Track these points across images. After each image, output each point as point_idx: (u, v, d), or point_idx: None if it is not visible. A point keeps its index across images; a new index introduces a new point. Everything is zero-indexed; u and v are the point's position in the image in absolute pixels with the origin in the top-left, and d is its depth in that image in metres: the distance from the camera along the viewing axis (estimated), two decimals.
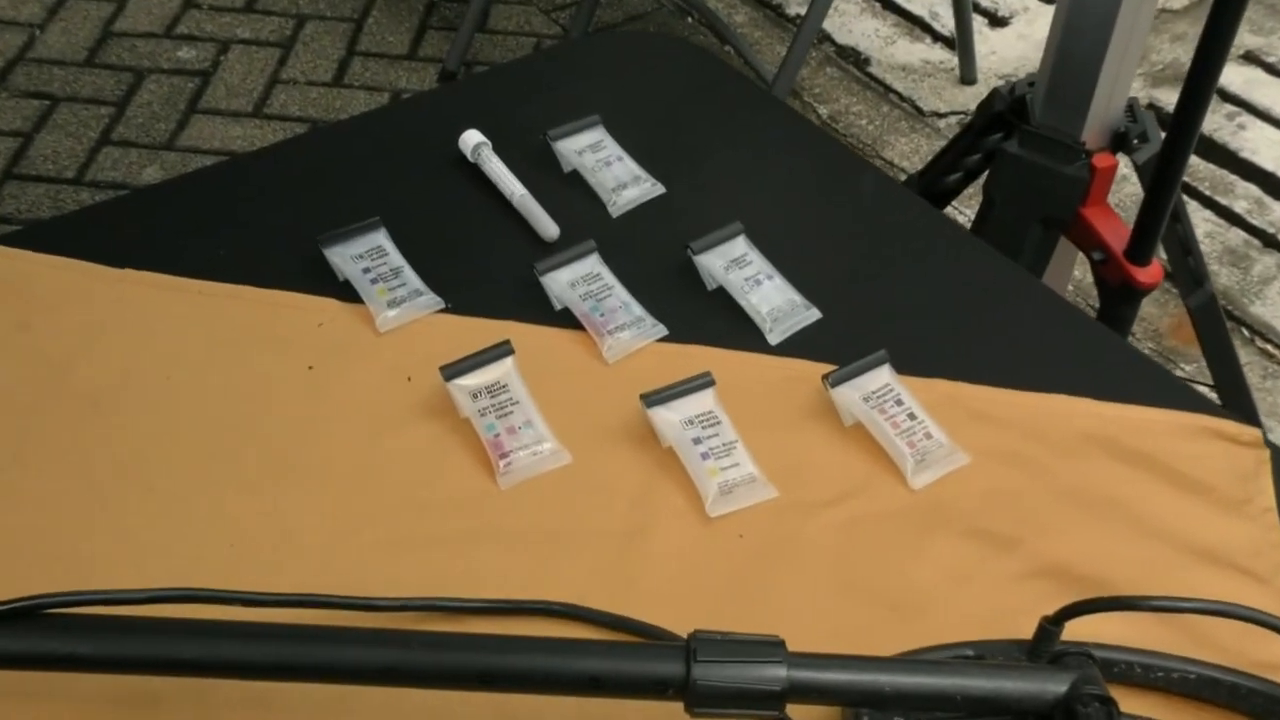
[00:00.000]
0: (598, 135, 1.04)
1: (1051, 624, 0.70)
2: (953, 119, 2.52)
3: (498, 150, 1.03)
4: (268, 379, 0.87)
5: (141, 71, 2.50)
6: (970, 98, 2.57)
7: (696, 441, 0.82)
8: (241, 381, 0.87)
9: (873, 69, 2.60)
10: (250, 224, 0.98)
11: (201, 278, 0.93)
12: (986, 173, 1.58)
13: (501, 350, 0.86)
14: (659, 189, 1.02)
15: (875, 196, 1.04)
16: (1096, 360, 0.91)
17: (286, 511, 0.80)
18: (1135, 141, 1.47)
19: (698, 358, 0.88)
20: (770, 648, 0.64)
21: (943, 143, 2.30)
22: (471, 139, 1.03)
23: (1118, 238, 1.50)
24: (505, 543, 0.79)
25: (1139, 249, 1.48)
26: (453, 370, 0.85)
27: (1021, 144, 1.47)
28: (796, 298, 0.92)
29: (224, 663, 0.64)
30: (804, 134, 1.09)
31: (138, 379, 0.87)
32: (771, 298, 0.92)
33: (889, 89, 2.56)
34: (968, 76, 2.60)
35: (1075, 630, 0.68)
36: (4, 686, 0.68)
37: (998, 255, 0.98)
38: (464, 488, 0.81)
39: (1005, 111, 1.53)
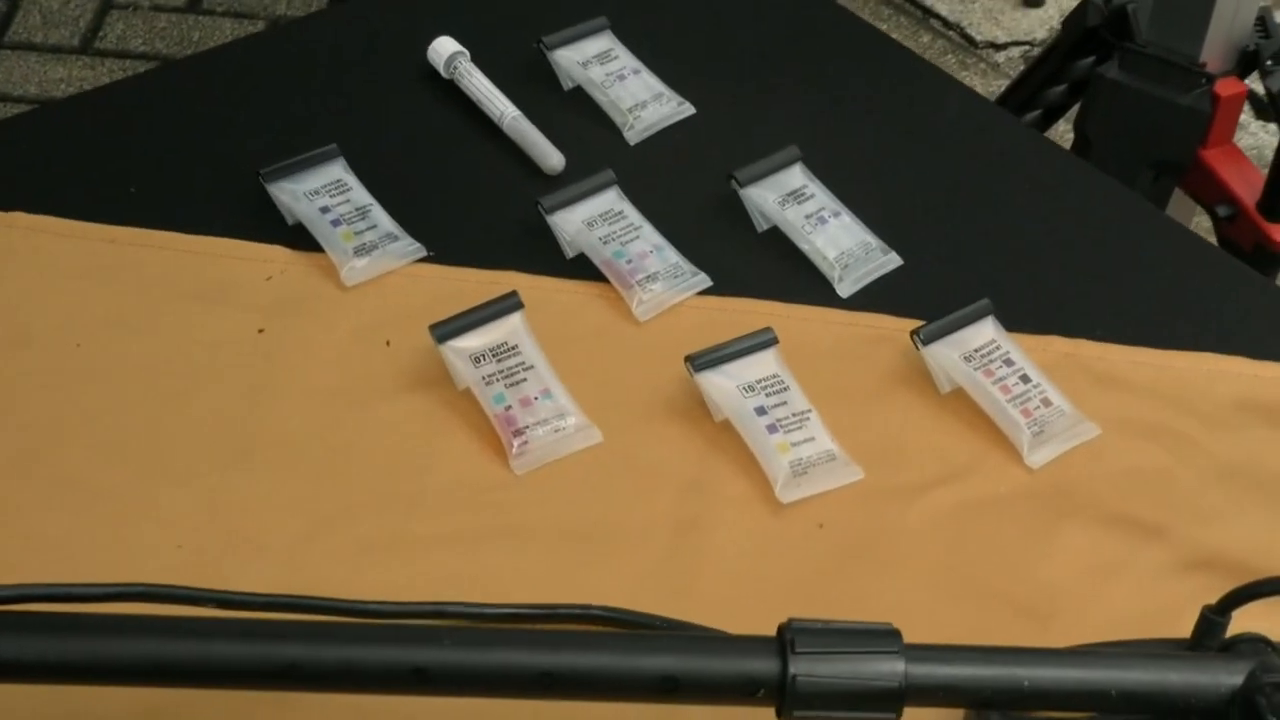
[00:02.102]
0: (606, 43, 1.12)
1: (1215, 614, 0.78)
2: (1014, 51, 2.63)
3: (478, 63, 1.11)
4: (205, 345, 0.94)
5: None
6: (1036, 24, 2.69)
7: (760, 412, 0.90)
8: (173, 349, 0.94)
9: None
10: (166, 155, 1.06)
11: (107, 222, 1.00)
12: (1076, 108, 1.69)
13: (507, 304, 0.94)
14: (687, 108, 1.10)
15: (963, 118, 1.13)
16: (1248, 312, 1.00)
17: (241, 507, 0.87)
18: (1269, 63, 1.57)
19: (751, 314, 0.97)
20: (884, 638, 0.72)
21: (1003, 82, 2.41)
22: (445, 48, 1.11)
23: (1249, 188, 1.60)
24: (523, 541, 0.86)
25: (1276, 201, 1.58)
26: (446, 329, 0.92)
27: (1124, 67, 1.57)
28: (871, 239, 1.01)
29: (214, 667, 0.70)
30: (865, 40, 1.18)
31: (35, 348, 0.93)
32: (840, 240, 1.01)
33: (930, 12, 2.67)
34: None
35: (1242, 625, 0.77)
36: None
37: (1119, 186, 1.08)
38: (467, 474, 0.89)
39: (1100, 27, 1.64)
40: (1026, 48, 2.63)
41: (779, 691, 0.71)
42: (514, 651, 0.72)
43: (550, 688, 0.72)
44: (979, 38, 2.63)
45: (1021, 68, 2.20)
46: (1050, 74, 1.71)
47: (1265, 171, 1.59)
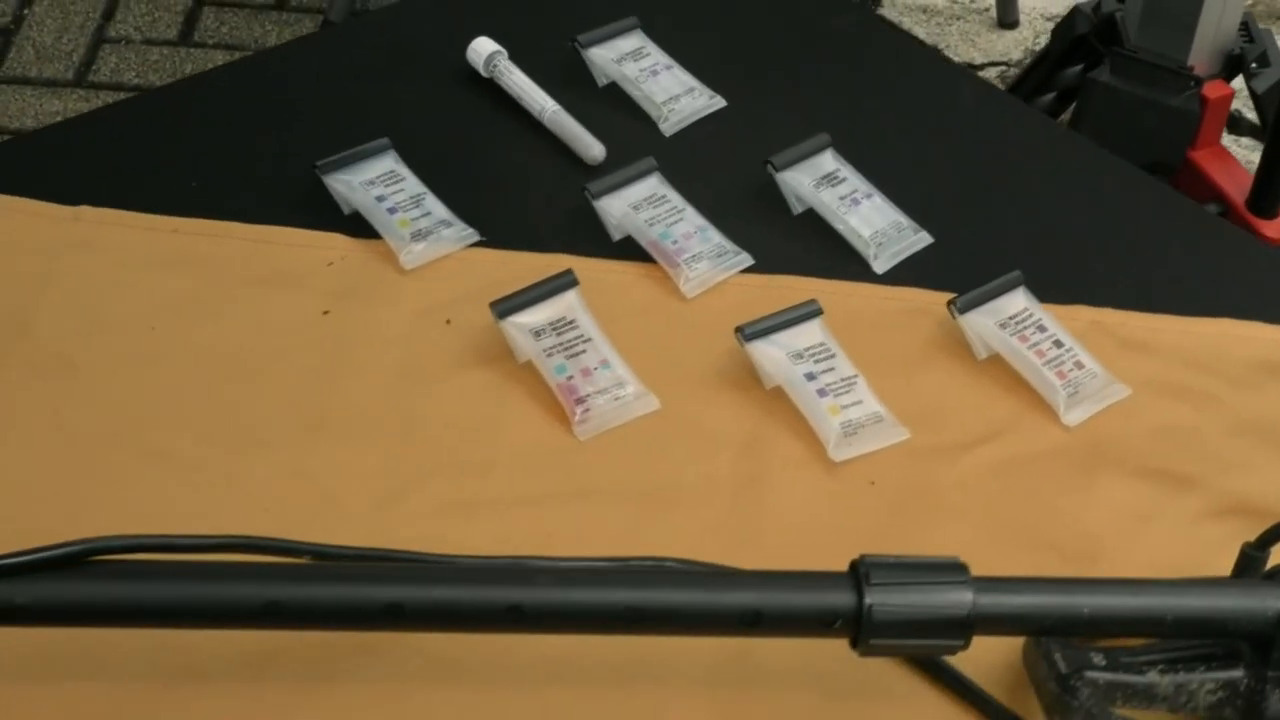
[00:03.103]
0: (638, 41, 1.17)
1: (1255, 549, 0.84)
2: (991, 72, 2.70)
3: (514, 62, 1.16)
4: (274, 326, 0.99)
5: None
6: (1011, 44, 2.76)
7: (810, 377, 0.96)
8: (243, 330, 0.98)
9: (885, 9, 2.79)
10: (222, 153, 1.10)
11: (171, 215, 1.04)
12: (1070, 111, 1.76)
13: (563, 281, 0.99)
14: (718, 101, 1.16)
15: (979, 106, 1.19)
16: (1258, 280, 1.06)
17: (322, 474, 0.91)
18: (1253, 66, 1.64)
19: (793, 289, 1.02)
20: (952, 570, 0.77)
21: None
22: (484, 48, 1.16)
23: (1237, 186, 1.67)
24: (592, 501, 0.91)
25: (1264, 199, 1.65)
26: (506, 306, 0.97)
27: (1115, 72, 1.64)
28: (902, 219, 1.07)
29: (321, 608, 0.75)
30: (881, 36, 1.24)
31: (113, 330, 0.98)
32: (873, 219, 1.06)
33: (908, 35, 2.74)
34: (1007, 18, 2.79)
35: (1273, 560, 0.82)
36: (32, 668, 0.79)
37: (1130, 167, 1.14)
38: (534, 440, 0.93)
39: (1089, 35, 1.70)
40: (1003, 68, 2.70)
41: (855, 622, 0.76)
42: (605, 590, 0.76)
43: (639, 623, 0.76)
44: (956, 59, 2.69)
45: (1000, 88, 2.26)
46: (1040, 82, 1.78)
47: (1252, 171, 1.66)
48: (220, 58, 2.62)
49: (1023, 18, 2.80)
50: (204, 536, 0.77)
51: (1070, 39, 1.73)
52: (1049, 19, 2.84)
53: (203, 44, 2.62)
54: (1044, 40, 2.73)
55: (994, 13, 2.78)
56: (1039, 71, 1.78)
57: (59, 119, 2.45)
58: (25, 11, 2.63)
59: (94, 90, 2.52)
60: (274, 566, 0.77)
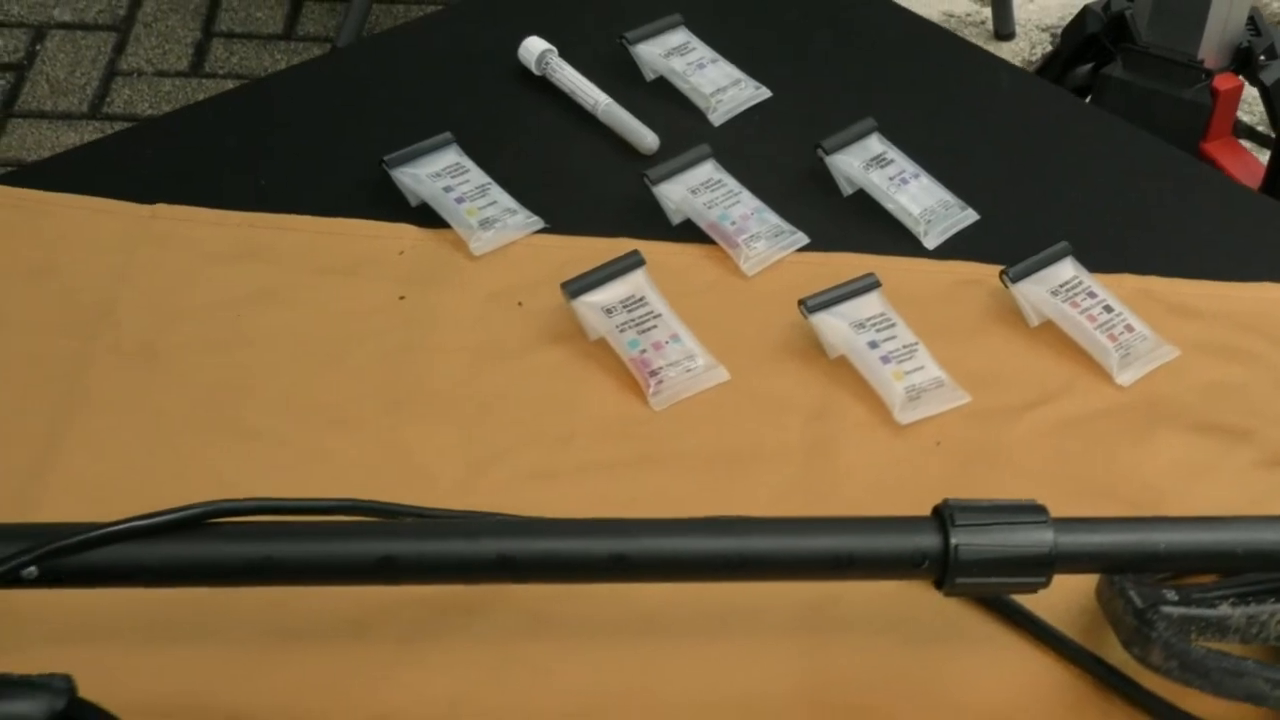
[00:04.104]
0: (683, 36, 1.22)
1: None
2: None
3: (563, 59, 1.20)
4: (352, 311, 1.02)
5: None
6: (1008, 55, 2.81)
7: (873, 345, 0.99)
8: (322, 316, 1.02)
9: None
10: (286, 152, 1.14)
11: (242, 211, 1.08)
12: None
13: (630, 261, 1.03)
14: (764, 92, 1.20)
15: (1014, 90, 1.23)
16: None
17: (409, 448, 0.95)
18: (1262, 58, 1.69)
19: (849, 265, 1.06)
20: (1033, 511, 0.81)
21: None
22: (535, 47, 1.20)
23: (1249, 176, 1.72)
24: (670, 466, 0.95)
25: (1277, 187, 1.70)
26: (576, 286, 1.01)
27: (1127, 67, 1.69)
28: (949, 197, 1.11)
29: (432, 561, 0.79)
30: (913, 27, 1.29)
31: (195, 319, 1.01)
32: (921, 198, 1.10)
33: None
34: (1004, 30, 2.85)
35: None
36: (152, 631, 0.82)
37: (1160, 143, 1.19)
38: (611, 412, 0.97)
39: (1100, 33, 1.75)
40: None
41: (942, 562, 0.80)
42: (705, 538, 0.80)
43: (738, 569, 0.80)
44: None
45: None
46: (1053, 80, 1.82)
47: (1265, 160, 1.70)
48: (231, 87, 2.66)
49: (1018, 29, 2.86)
50: (315, 500, 0.80)
51: (1081, 38, 1.77)
52: (1044, 29, 2.90)
53: (213, 74, 2.66)
54: (1040, 51, 2.79)
55: (990, 24, 2.84)
56: (1050, 71, 1.83)
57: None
58: (38, 47, 2.66)
59: (109, 121, 2.56)
60: (387, 524, 0.80)
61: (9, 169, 2.43)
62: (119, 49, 2.68)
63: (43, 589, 0.77)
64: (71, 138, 2.53)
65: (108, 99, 2.60)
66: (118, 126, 2.55)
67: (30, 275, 1.03)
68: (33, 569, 0.76)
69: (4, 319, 1.00)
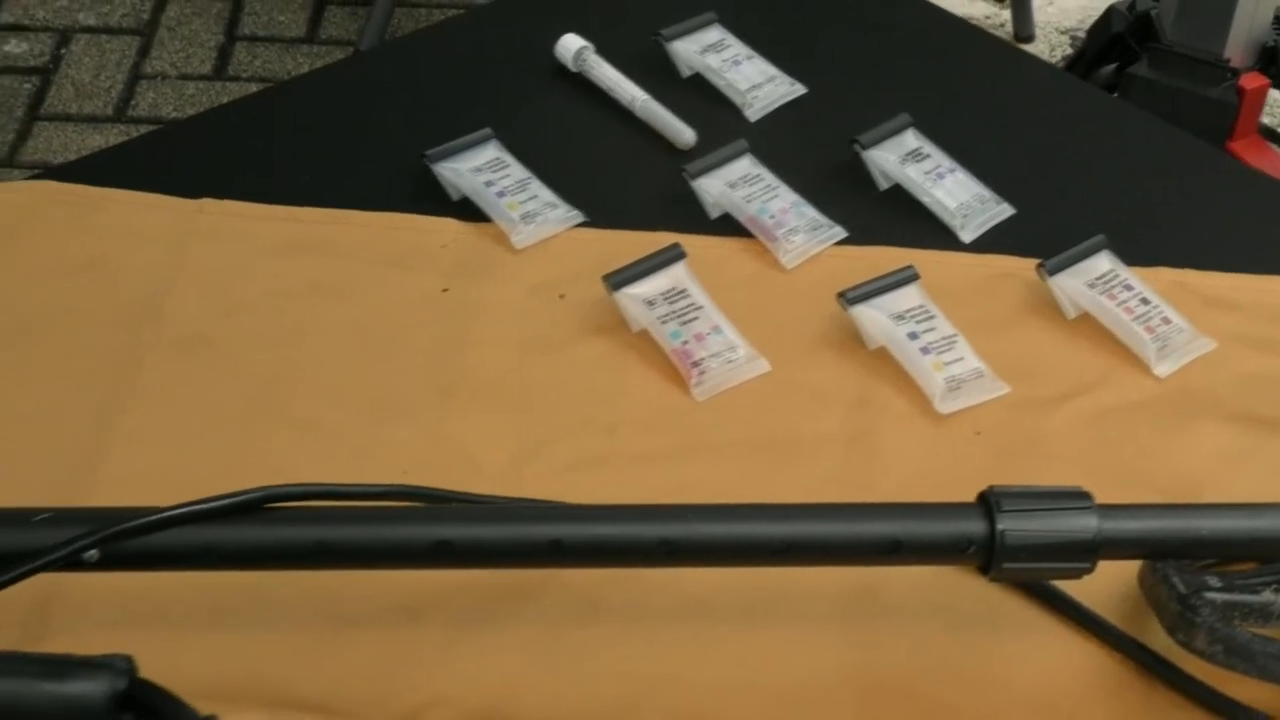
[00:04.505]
0: (718, 33, 1.23)
1: None
2: None
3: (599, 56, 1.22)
4: (398, 304, 1.04)
5: None
6: None
7: (913, 337, 1.01)
8: (369, 308, 1.03)
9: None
10: (327, 147, 1.16)
11: (287, 206, 1.10)
12: None
13: (671, 254, 1.04)
14: (799, 88, 1.21)
15: (1044, 88, 1.25)
16: None
17: (456, 437, 0.96)
18: None
19: (886, 259, 1.07)
20: (1077, 497, 0.82)
21: None
22: (572, 44, 1.21)
23: (1276, 175, 1.72)
24: (714, 455, 0.96)
25: None
26: (619, 279, 1.02)
27: (1153, 66, 1.70)
28: (984, 192, 1.12)
29: (486, 545, 0.80)
30: (949, 26, 1.30)
31: (243, 313, 1.03)
32: (957, 192, 1.12)
33: None
34: (1023, 33, 2.86)
35: None
36: (207, 616, 0.84)
37: (1190, 138, 1.20)
38: (654, 402, 0.98)
39: (1125, 32, 1.76)
40: None
41: (988, 547, 0.81)
42: (754, 523, 0.81)
43: (787, 554, 0.81)
44: None
45: None
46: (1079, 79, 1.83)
47: None
48: (254, 90, 2.67)
49: (1038, 31, 2.87)
50: (369, 485, 0.82)
51: (1106, 37, 1.78)
52: (1063, 32, 2.91)
53: (237, 77, 2.68)
54: (1060, 53, 2.80)
55: (1010, 27, 2.85)
56: (1075, 70, 1.84)
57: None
58: (63, 51, 2.68)
59: (134, 124, 2.58)
60: (440, 509, 0.82)
61: (35, 172, 2.45)
62: (143, 53, 2.70)
63: (103, 572, 0.78)
64: (96, 140, 2.54)
65: (132, 102, 2.61)
66: (143, 129, 2.57)
67: (81, 269, 1.05)
68: (94, 552, 0.77)
69: (56, 312, 1.02)
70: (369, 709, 0.82)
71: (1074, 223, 1.10)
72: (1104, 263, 1.05)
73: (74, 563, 0.77)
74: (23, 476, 0.91)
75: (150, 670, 0.75)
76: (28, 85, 2.62)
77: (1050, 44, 2.84)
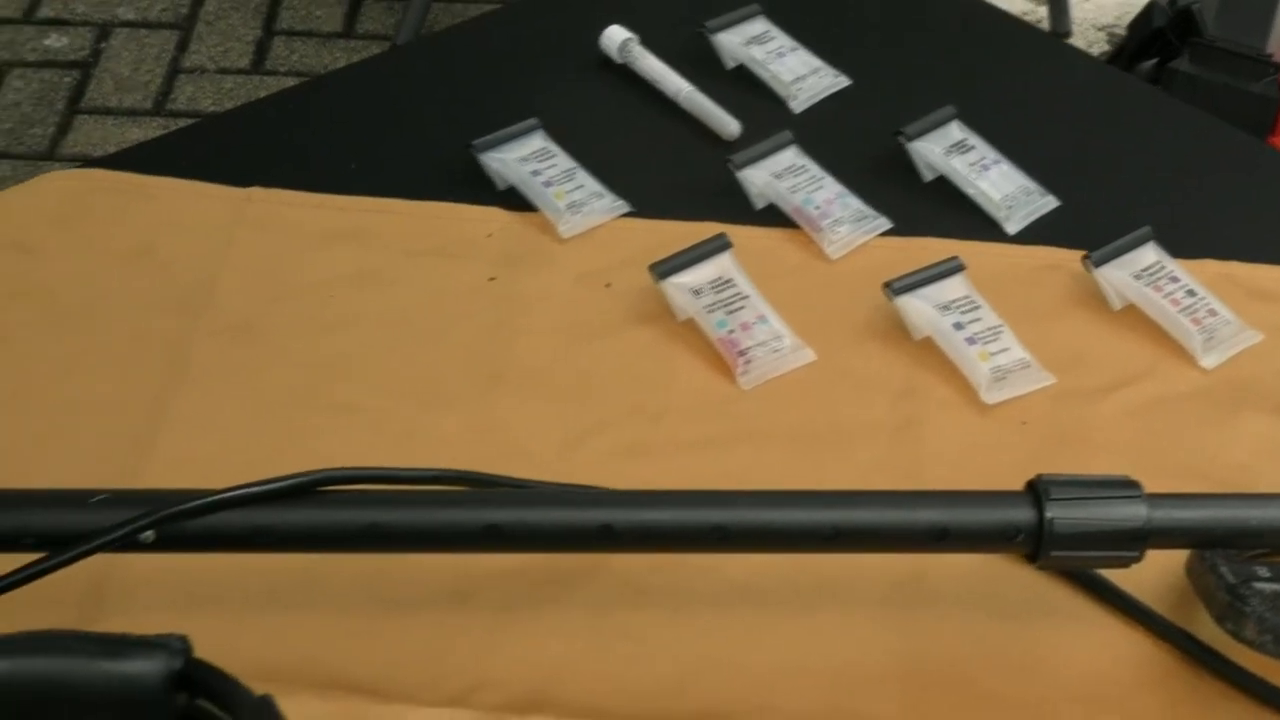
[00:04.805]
0: (762, 25, 1.23)
1: None
2: None
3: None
4: (445, 292, 1.04)
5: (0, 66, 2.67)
6: None
7: (958, 327, 1.01)
8: (416, 296, 1.04)
9: None
10: (368, 139, 1.17)
11: (334, 194, 1.11)
12: None
13: (717, 244, 1.04)
14: (843, 80, 1.22)
15: (1086, 79, 1.25)
16: None
17: (505, 424, 0.97)
18: None
19: (931, 249, 1.07)
20: (1126, 486, 0.82)
21: None
22: (616, 35, 1.22)
23: None
24: (760, 444, 0.96)
25: None
26: (665, 268, 1.03)
27: (1194, 61, 1.70)
28: (1029, 183, 1.12)
29: (536, 530, 0.80)
30: (992, 19, 1.30)
31: (292, 300, 1.04)
32: (1002, 184, 1.12)
33: None
34: (1060, 29, 2.85)
35: None
36: (260, 599, 0.85)
37: (1234, 131, 1.20)
38: (701, 390, 0.99)
39: (1166, 28, 1.76)
40: None
41: (1036, 535, 0.81)
42: (804, 510, 0.82)
43: (835, 540, 0.82)
44: None
45: None
46: None
47: None
48: (291, 84, 2.68)
49: (1074, 28, 2.86)
50: (421, 469, 0.82)
51: (1147, 32, 1.78)
52: (1100, 28, 2.91)
53: (274, 72, 2.69)
54: (1097, 49, 2.79)
55: (1047, 23, 2.84)
56: (1115, 65, 1.84)
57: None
58: (102, 45, 2.70)
59: (173, 118, 2.60)
60: (490, 494, 0.82)
61: (75, 165, 2.47)
62: (182, 47, 2.72)
63: (158, 553, 0.79)
64: (136, 134, 2.56)
65: (171, 96, 2.63)
66: (181, 123, 2.59)
67: (131, 256, 1.06)
68: (150, 533, 0.78)
69: (106, 298, 1.03)
70: (418, 691, 0.83)
71: (1118, 215, 1.10)
72: (1150, 254, 1.05)
73: (130, 544, 0.78)
74: (80, 459, 0.93)
75: (204, 651, 0.76)
76: (68, 79, 2.64)
77: (1087, 40, 2.83)
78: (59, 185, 1.12)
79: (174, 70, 2.68)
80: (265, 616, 0.85)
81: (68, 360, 1.00)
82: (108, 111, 2.58)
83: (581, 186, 1.10)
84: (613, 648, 0.86)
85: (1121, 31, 2.28)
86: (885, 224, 1.09)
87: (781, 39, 1.23)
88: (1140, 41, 1.81)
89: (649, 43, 1.22)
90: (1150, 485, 0.83)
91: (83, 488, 0.79)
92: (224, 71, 2.68)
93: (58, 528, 0.77)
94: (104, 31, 2.74)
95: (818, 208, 1.09)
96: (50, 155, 2.51)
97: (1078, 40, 2.85)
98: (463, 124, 1.15)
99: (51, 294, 1.04)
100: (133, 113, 2.59)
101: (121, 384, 0.98)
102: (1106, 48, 2.67)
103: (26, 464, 0.90)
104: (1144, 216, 1.08)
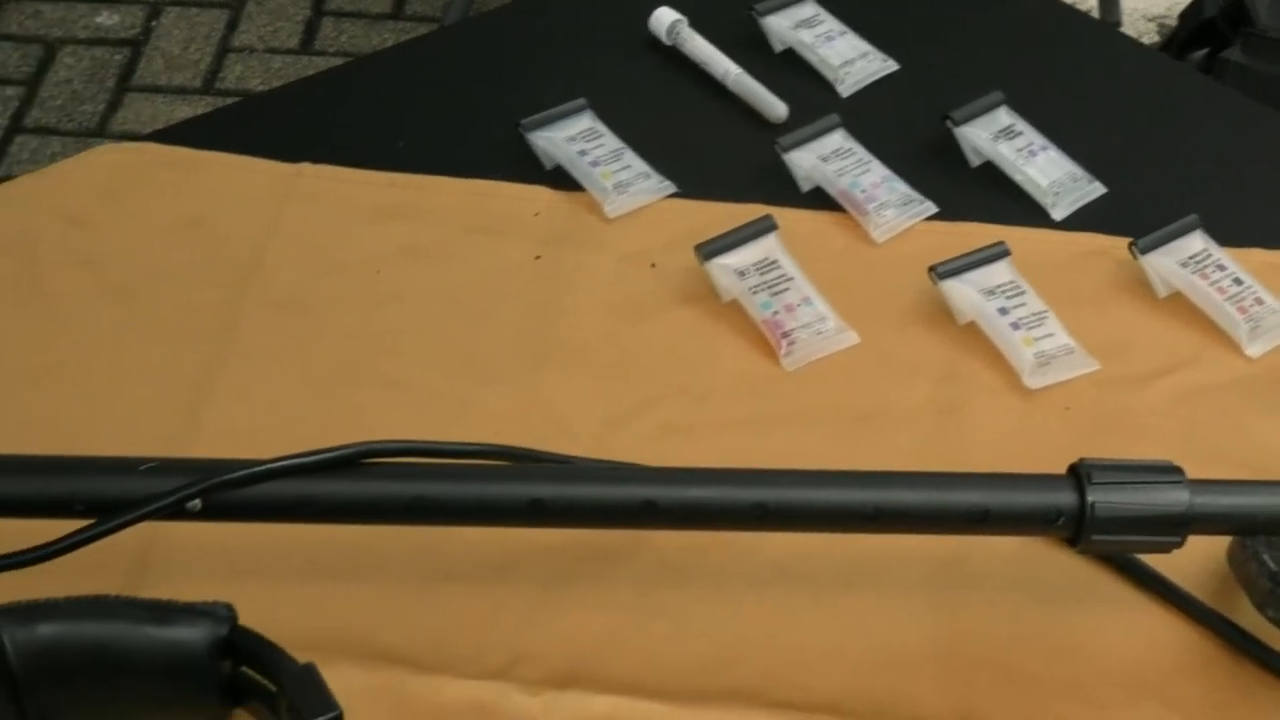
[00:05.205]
0: (812, 9, 1.24)
1: None
2: None
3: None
4: (492, 270, 1.05)
5: (52, 43, 2.69)
6: None
7: (1003, 312, 1.01)
8: (463, 273, 1.05)
9: None
10: (426, 114, 1.17)
11: (383, 171, 1.11)
12: None
13: (763, 225, 1.05)
14: (892, 64, 1.22)
15: (1136, 66, 1.24)
16: None
17: (549, 401, 0.97)
18: None
19: (977, 234, 1.07)
20: (1169, 471, 0.82)
21: None
22: (665, 17, 1.22)
23: None
24: (802, 425, 0.97)
25: None
26: (710, 249, 1.03)
27: (1246, 51, 1.69)
28: (1077, 170, 1.12)
29: (580, 504, 0.81)
30: (1042, 4, 1.30)
31: (341, 273, 1.04)
32: (1049, 170, 1.12)
33: None
34: (1110, 19, 2.83)
35: None
36: (306, 570, 0.86)
37: None
38: (744, 371, 0.99)
39: (1217, 18, 1.75)
40: None
41: (1077, 519, 0.81)
42: (845, 489, 0.82)
43: (874, 520, 0.82)
44: None
45: None
46: None
47: None
48: (339, 65, 2.70)
49: (1125, 18, 2.85)
50: (465, 443, 0.83)
51: (1198, 22, 1.77)
52: (1150, 19, 2.89)
53: (323, 52, 2.70)
54: (1146, 40, 2.78)
55: (1097, 13, 2.83)
56: (1168, 54, 1.83)
57: None
58: (153, 24, 2.72)
59: (222, 96, 2.61)
60: (535, 468, 0.83)
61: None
62: (231, 26, 2.73)
63: (204, 522, 0.80)
64: (185, 112, 2.58)
65: (220, 75, 2.64)
66: (230, 102, 2.60)
67: (181, 229, 1.07)
68: (196, 502, 0.79)
69: (158, 269, 1.04)
70: (459, 663, 0.83)
71: (1165, 203, 1.10)
72: (1197, 242, 1.05)
73: (177, 512, 0.79)
74: (129, 427, 0.94)
75: (248, 620, 0.77)
76: (118, 57, 2.66)
77: (1137, 30, 2.82)
78: (110, 159, 1.13)
79: (223, 49, 2.69)
80: (308, 586, 0.86)
81: (118, 330, 1.01)
82: (157, 89, 2.60)
83: (628, 167, 1.10)
84: (653, 625, 0.86)
85: (1172, 22, 2.26)
86: (931, 208, 1.09)
87: (831, 23, 1.23)
88: (1191, 31, 1.80)
89: (698, 24, 1.22)
90: (1193, 472, 0.83)
91: (132, 456, 0.80)
92: (273, 51, 2.70)
93: (107, 495, 0.78)
94: (155, 10, 2.75)
95: (864, 191, 1.09)
96: (100, 132, 2.52)
97: (1128, 30, 2.83)
98: (511, 103, 1.15)
99: (102, 265, 1.05)
100: (182, 91, 2.61)
101: (170, 355, 0.99)
102: (1157, 38, 2.66)
103: (77, 431, 0.91)
104: (1191, 204, 1.08)
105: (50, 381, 0.97)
